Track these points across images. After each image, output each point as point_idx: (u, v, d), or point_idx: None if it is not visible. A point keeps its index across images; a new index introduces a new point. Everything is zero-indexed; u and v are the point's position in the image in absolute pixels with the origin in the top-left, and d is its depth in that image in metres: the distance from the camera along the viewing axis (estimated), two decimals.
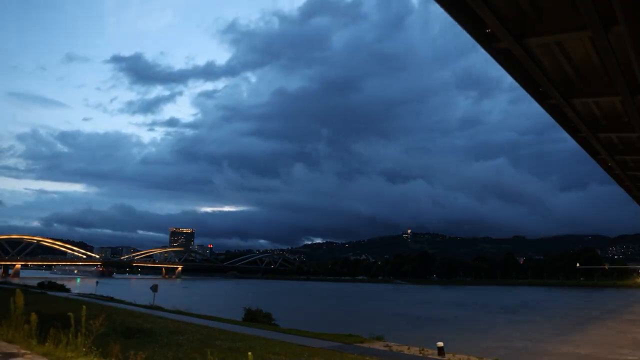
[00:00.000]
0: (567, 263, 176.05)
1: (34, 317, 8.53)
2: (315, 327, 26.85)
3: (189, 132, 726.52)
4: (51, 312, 15.51)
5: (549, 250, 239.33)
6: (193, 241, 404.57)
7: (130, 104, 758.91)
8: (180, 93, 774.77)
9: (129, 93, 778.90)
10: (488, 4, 7.42)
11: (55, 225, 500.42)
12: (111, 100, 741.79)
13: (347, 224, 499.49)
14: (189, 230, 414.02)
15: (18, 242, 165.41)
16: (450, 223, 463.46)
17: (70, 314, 8.25)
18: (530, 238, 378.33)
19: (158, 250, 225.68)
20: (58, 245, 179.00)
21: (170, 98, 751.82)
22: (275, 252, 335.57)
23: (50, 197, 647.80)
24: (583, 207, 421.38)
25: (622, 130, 13.68)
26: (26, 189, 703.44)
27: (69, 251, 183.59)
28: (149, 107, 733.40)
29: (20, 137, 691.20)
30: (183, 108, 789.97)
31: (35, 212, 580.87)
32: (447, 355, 16.90)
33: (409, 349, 18.28)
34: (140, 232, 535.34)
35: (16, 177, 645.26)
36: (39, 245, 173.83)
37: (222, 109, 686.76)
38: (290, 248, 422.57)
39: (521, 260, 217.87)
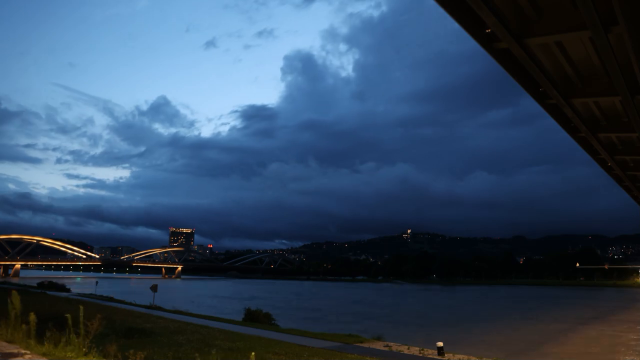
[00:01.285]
0: (567, 263, 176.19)
1: (33, 317, 8.52)
2: (315, 327, 26.88)
3: (270, 95, 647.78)
4: (51, 312, 15.49)
5: (549, 250, 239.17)
6: (193, 241, 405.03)
7: (211, 43, 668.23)
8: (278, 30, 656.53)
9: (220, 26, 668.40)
10: (488, 4, 7.41)
11: (58, 222, 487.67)
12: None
13: (348, 223, 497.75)
14: (189, 230, 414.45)
15: (18, 242, 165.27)
16: (450, 223, 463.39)
17: (68, 315, 8.24)
18: (530, 238, 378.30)
19: (158, 250, 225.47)
20: (58, 245, 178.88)
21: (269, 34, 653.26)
22: (275, 252, 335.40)
23: (68, 187, 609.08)
24: (583, 207, 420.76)
25: (622, 130, 13.69)
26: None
27: (69, 251, 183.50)
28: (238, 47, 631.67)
29: (50, 108, 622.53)
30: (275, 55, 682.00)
31: (41, 205, 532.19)
32: (447, 355, 16.89)
33: (408, 348, 18.28)
34: (141, 231, 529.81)
35: (34, 162, 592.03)
36: (38, 245, 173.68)
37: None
38: (290, 248, 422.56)
39: (521, 260, 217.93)
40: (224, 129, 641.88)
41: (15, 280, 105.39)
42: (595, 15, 7.01)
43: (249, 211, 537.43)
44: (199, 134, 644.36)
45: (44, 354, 7.68)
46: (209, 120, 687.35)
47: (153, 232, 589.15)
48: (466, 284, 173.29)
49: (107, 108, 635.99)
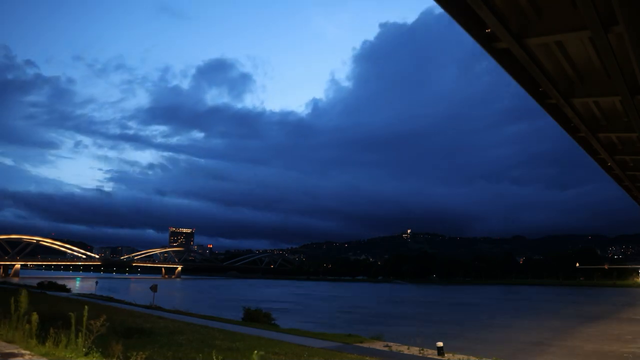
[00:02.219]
0: (567, 263, 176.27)
1: (35, 316, 8.52)
2: (314, 327, 26.88)
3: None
4: (51, 313, 15.49)
5: (549, 250, 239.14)
6: (193, 241, 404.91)
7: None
8: None
9: None
10: (488, 3, 7.42)
11: (57, 222, 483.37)
12: None
13: (346, 224, 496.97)
14: (189, 230, 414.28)
15: (17, 242, 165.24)
16: (450, 223, 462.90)
17: (67, 314, 8.24)
18: (530, 238, 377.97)
19: (158, 250, 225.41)
20: (57, 245, 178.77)
21: None
22: (274, 252, 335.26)
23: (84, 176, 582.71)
24: (583, 207, 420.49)
25: (622, 130, 13.70)
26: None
27: (69, 251, 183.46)
28: None
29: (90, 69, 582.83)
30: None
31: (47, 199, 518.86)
32: (446, 355, 16.88)
33: (408, 348, 18.27)
34: (140, 231, 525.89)
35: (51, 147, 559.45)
36: (38, 245, 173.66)
37: None
38: (290, 248, 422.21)
39: (521, 260, 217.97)
40: (290, 104, 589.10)
41: (15, 280, 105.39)
42: (595, 15, 7.01)
43: (250, 210, 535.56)
44: (260, 104, 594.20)
45: (44, 354, 7.68)
46: (283, 92, 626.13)
47: (153, 232, 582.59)
48: (466, 283, 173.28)
49: (157, 69, 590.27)
